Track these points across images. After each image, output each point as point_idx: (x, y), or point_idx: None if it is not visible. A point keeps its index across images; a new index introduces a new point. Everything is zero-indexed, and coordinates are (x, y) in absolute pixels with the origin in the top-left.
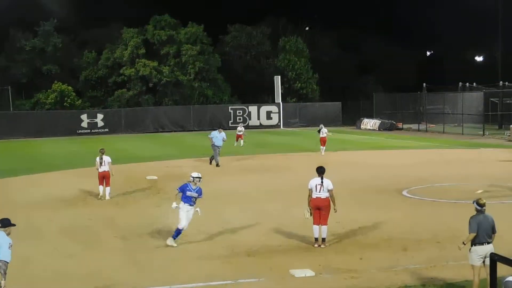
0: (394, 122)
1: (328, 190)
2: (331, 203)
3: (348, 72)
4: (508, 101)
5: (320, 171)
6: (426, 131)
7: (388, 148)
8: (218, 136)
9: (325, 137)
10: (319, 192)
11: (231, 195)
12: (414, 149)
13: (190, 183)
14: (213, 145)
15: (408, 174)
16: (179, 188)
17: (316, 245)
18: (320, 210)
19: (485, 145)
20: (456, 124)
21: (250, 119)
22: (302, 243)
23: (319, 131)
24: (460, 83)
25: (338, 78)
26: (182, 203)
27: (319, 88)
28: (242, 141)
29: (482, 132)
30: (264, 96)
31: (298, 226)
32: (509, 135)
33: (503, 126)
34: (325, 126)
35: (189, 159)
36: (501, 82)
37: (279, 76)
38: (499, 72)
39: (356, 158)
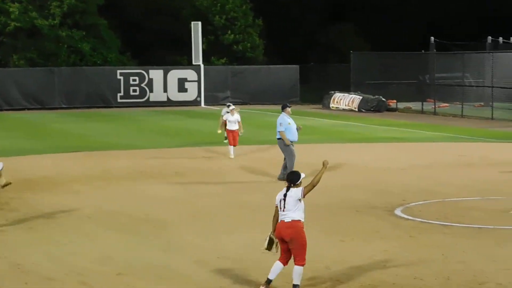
0: (384, 99)
1: (299, 200)
2: (300, 231)
3: (312, 17)
4: None
5: (288, 178)
6: (435, 113)
7: (373, 140)
8: (291, 125)
9: (235, 130)
10: (283, 211)
11: (117, 217)
12: (415, 143)
13: None
14: (284, 143)
15: (406, 183)
16: None
17: None
18: (285, 243)
19: None
20: (482, 104)
21: (151, 90)
22: None
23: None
24: (490, 38)
25: (295, 27)
26: None
27: (263, 43)
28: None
29: None
30: (174, 54)
31: (243, 266)
32: None
33: None
34: (276, 102)
35: (55, 155)
36: None
37: (199, 23)
38: None
39: (323, 156)
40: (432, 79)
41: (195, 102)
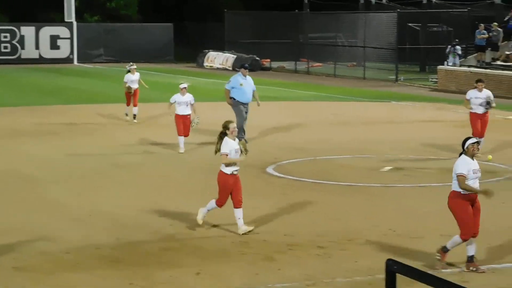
0: (258, 58)
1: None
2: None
3: None
4: (435, 29)
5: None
6: (308, 73)
7: None
8: (243, 86)
9: (188, 116)
10: None
11: None
12: (287, 102)
13: None
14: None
15: (278, 141)
16: None
17: (472, 268)
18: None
19: (398, 97)
20: (354, 64)
21: (23, 47)
22: None
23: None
24: None
25: None
26: None
27: (138, 1)
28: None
29: (394, 77)
30: (47, 11)
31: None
32: (435, 82)
33: (426, 68)
34: (150, 60)
35: None
36: None
37: None
38: None
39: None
40: (306, 38)
41: (68, 60)
